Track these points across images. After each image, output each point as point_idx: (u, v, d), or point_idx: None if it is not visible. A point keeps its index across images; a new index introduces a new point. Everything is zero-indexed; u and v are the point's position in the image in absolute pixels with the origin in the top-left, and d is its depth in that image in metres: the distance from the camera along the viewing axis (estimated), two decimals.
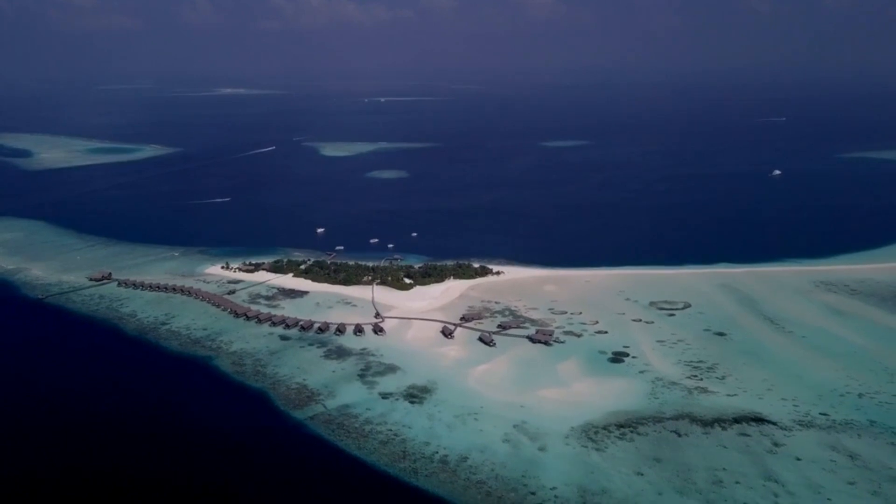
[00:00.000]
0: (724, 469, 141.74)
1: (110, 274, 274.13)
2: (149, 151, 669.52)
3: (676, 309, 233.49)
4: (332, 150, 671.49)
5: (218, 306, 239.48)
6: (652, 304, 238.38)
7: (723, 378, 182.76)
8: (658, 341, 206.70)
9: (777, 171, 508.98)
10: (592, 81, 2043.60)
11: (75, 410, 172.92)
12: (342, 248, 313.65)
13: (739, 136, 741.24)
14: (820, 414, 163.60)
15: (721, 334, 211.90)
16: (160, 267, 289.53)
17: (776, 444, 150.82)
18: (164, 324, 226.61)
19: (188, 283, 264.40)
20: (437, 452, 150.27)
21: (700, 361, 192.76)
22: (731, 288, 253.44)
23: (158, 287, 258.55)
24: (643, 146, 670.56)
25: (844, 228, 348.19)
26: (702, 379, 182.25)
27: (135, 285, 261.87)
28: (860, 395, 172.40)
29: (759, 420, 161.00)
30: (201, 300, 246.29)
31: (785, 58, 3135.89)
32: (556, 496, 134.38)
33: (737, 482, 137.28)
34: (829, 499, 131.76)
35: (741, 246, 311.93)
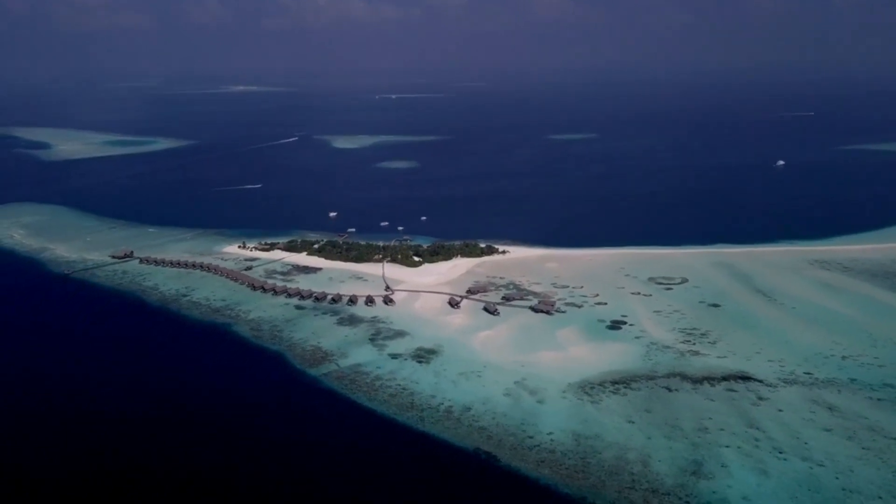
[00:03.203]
0: (710, 418, 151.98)
1: (132, 252, 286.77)
2: (164, 144, 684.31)
3: (674, 283, 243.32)
4: (344, 142, 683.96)
5: (236, 280, 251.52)
6: (650, 279, 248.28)
7: (714, 343, 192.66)
8: (655, 311, 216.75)
9: (781, 162, 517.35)
10: (604, 79, 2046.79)
11: (104, 373, 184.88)
12: (354, 230, 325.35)
13: (756, 131, 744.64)
14: (804, 373, 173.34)
15: (715, 305, 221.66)
16: (179, 247, 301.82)
17: (760, 398, 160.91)
18: (184, 295, 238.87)
19: (207, 260, 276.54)
20: (442, 404, 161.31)
21: (694, 329, 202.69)
22: (728, 265, 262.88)
23: (178, 263, 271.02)
24: (652, 140, 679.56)
25: (843, 213, 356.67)
26: (694, 343, 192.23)
27: (156, 262, 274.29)
28: (844, 358, 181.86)
29: (745, 378, 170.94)
30: (220, 275, 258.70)
31: (800, 56, 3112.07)
32: (552, 440, 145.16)
33: (721, 429, 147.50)
34: (806, 443, 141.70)
35: (740, 229, 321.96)
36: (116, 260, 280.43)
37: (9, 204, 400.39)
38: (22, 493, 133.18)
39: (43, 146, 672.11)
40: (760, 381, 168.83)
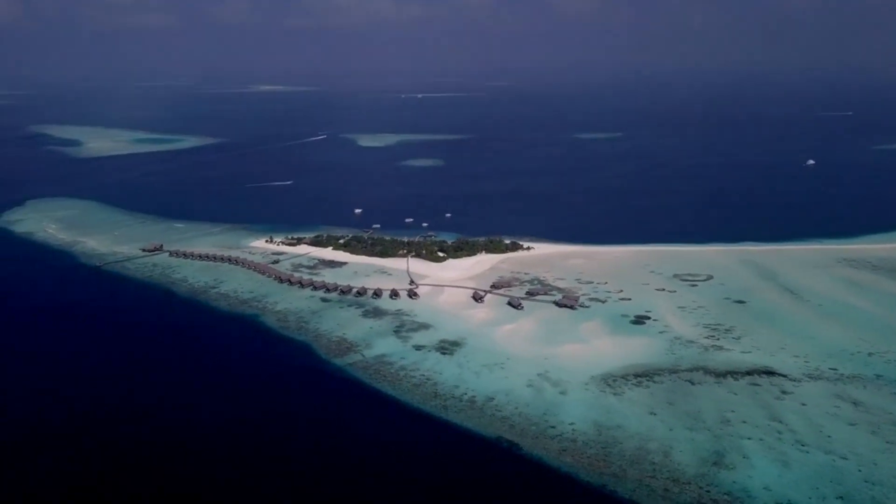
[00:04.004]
0: (732, 411, 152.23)
1: (161, 245, 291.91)
2: (192, 142, 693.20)
3: (699, 280, 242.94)
4: (370, 141, 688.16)
5: (263, 273, 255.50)
6: (675, 275, 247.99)
7: (738, 338, 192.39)
8: (679, 307, 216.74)
9: (811, 161, 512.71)
10: (632, 79, 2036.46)
11: (135, 361, 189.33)
12: (378, 226, 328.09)
13: (790, 131, 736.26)
14: (829, 369, 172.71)
15: (740, 302, 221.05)
16: (208, 241, 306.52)
17: (784, 392, 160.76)
18: (213, 287, 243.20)
19: (235, 254, 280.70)
20: (465, 394, 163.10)
21: (718, 324, 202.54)
22: (754, 263, 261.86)
23: (207, 257, 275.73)
24: (680, 140, 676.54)
25: (872, 212, 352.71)
26: (718, 339, 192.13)
27: (185, 255, 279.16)
28: (870, 354, 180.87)
29: (769, 373, 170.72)
30: (247, 268, 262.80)
31: (843, 57, 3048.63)
32: (573, 430, 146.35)
33: (743, 421, 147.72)
34: (829, 436, 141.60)
35: (766, 227, 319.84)
36: (146, 253, 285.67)
37: (42, 199, 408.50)
38: (52, 473, 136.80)
39: (74, 143, 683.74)
40: (784, 376, 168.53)
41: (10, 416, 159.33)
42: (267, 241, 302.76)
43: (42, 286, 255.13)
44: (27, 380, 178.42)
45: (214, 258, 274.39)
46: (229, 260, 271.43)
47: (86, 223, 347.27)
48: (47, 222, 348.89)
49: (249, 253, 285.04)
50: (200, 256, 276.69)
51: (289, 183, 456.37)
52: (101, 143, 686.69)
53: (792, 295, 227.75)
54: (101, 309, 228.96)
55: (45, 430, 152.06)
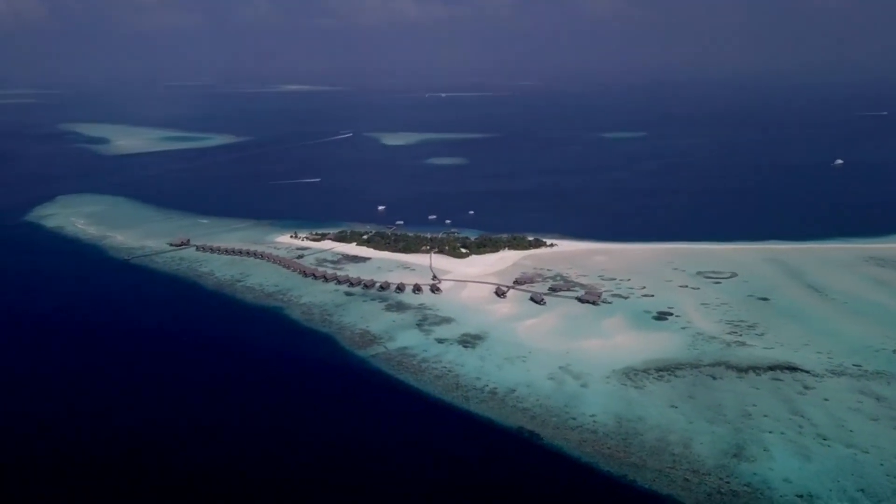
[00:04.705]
0: (753, 405, 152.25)
1: (189, 240, 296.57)
2: (219, 140, 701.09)
3: (722, 278, 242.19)
4: (394, 139, 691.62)
5: (288, 268, 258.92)
6: (699, 273, 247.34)
7: (761, 334, 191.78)
8: (702, 304, 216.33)
9: (839, 161, 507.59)
10: (662, 79, 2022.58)
11: (164, 352, 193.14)
12: (402, 222, 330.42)
13: (821, 130, 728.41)
14: (853, 365, 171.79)
15: (764, 299, 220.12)
16: (233, 236, 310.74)
17: (806, 388, 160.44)
18: (239, 281, 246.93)
19: (260, 248, 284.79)
20: (486, 386, 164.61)
21: (741, 321, 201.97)
22: (779, 261, 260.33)
23: (233, 251, 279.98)
24: (707, 140, 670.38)
25: None
26: (741, 335, 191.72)
27: (211, 250, 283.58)
28: (894, 351, 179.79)
29: (792, 369, 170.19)
30: (272, 262, 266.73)
31: (882, 54, 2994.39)
32: (594, 421, 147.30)
33: (765, 415, 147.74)
34: (851, 430, 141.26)
35: (792, 225, 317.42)
36: (174, 247, 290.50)
37: (71, 195, 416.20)
38: (83, 461, 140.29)
39: (102, 141, 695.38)
40: (807, 372, 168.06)
41: (36, 405, 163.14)
42: (292, 237, 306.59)
43: (72, 278, 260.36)
44: (55, 370, 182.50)
45: (240, 252, 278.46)
46: (255, 254, 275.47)
47: (114, 218, 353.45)
48: (76, 217, 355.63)
49: (274, 248, 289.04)
50: (226, 251, 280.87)
51: (317, 180, 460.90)
52: (128, 140, 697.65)
53: (816, 292, 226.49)
54: (128, 300, 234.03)
55: (71, 419, 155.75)
